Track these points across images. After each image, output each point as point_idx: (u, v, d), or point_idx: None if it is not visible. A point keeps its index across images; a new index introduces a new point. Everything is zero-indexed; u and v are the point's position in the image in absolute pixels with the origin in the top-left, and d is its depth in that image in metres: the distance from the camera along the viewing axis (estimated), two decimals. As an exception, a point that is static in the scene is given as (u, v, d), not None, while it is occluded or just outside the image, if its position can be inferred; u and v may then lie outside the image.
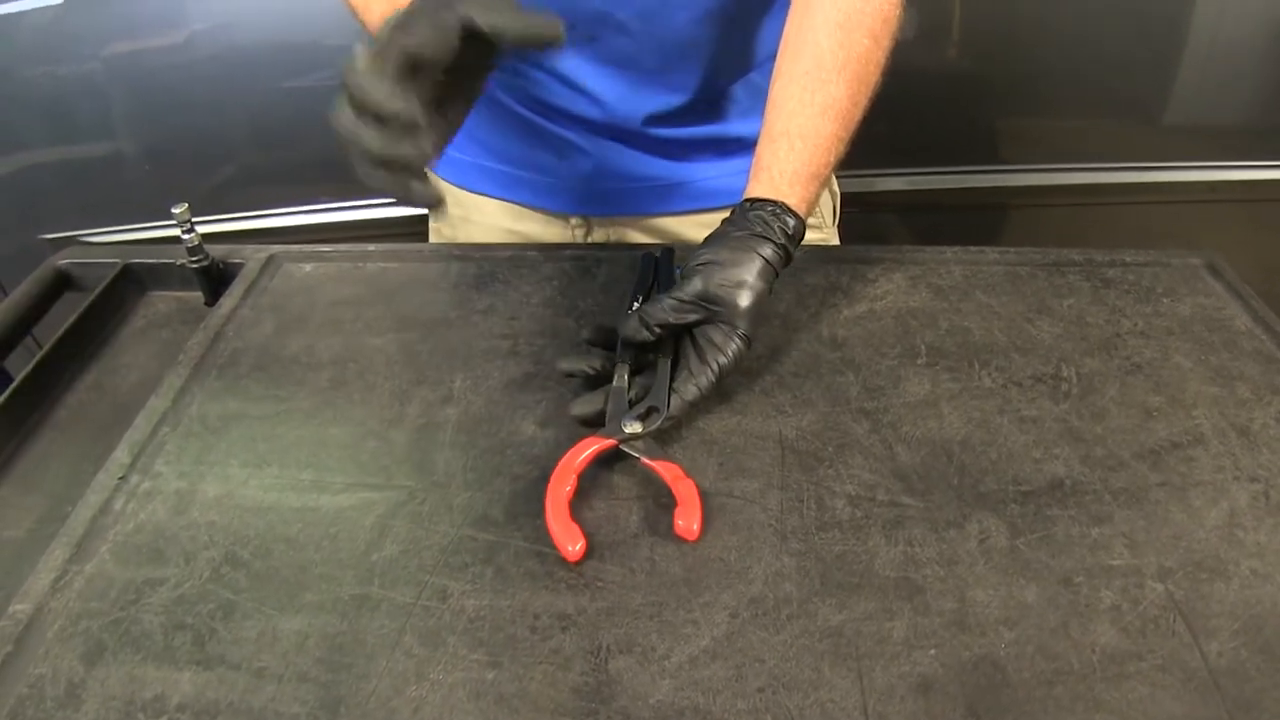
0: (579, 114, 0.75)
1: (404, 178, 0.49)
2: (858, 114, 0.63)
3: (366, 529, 0.52)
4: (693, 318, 0.58)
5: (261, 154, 1.28)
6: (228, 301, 0.71)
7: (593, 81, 0.72)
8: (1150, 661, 0.44)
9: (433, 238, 0.91)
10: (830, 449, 0.56)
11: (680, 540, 0.51)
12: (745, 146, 0.68)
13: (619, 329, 0.60)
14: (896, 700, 0.43)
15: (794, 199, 0.60)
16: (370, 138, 0.47)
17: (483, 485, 0.55)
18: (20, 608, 0.48)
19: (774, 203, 0.60)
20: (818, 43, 0.62)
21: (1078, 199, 1.34)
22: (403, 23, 0.48)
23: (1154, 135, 1.31)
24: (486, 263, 0.75)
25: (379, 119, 0.47)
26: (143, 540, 0.52)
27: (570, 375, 0.60)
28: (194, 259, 0.73)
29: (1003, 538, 0.50)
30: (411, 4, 0.50)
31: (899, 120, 1.21)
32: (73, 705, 0.43)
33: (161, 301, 0.77)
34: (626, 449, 0.55)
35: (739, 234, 0.59)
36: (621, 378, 0.58)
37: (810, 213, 0.62)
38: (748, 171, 0.63)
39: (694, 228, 0.81)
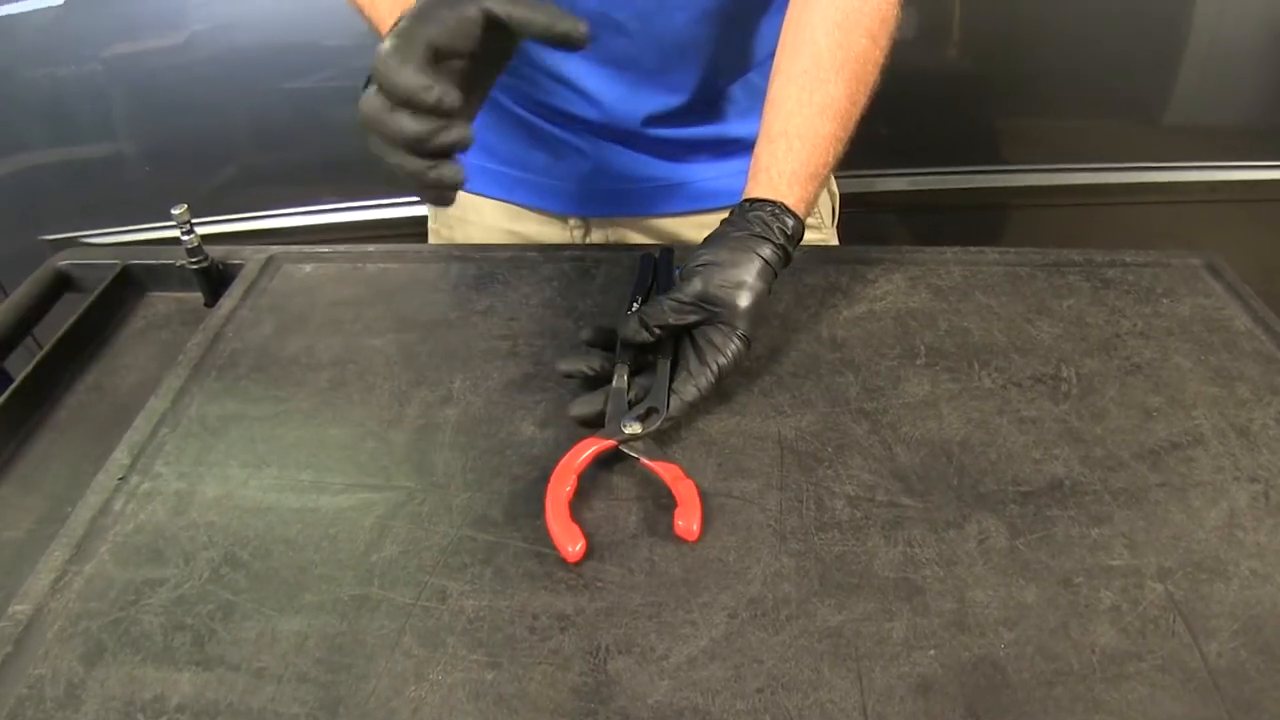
0: (577, 115, 0.75)
1: (435, 162, 0.49)
2: (856, 113, 0.63)
3: (366, 530, 0.52)
4: (692, 318, 0.58)
5: (261, 155, 1.28)
6: (227, 302, 0.71)
7: (591, 82, 0.72)
8: (1150, 662, 0.44)
9: (432, 239, 0.91)
10: (829, 449, 0.56)
11: (679, 541, 0.51)
12: (744, 147, 0.68)
13: (618, 330, 0.60)
14: (896, 701, 0.43)
15: (793, 199, 0.60)
16: (408, 123, 0.47)
17: (482, 486, 0.55)
18: (20, 608, 0.48)
19: (773, 203, 0.60)
20: (816, 42, 0.62)
21: (1078, 199, 1.34)
22: (425, 13, 0.48)
23: (1154, 135, 1.31)
24: (486, 263, 0.75)
25: (410, 106, 0.47)
26: (142, 541, 0.52)
27: (569, 376, 0.60)
28: (193, 260, 0.73)
29: (1002, 538, 0.50)
30: None
31: (899, 120, 1.21)
32: (72, 706, 0.43)
33: (161, 302, 0.77)
34: (626, 450, 0.55)
35: (738, 234, 0.59)
36: (621, 378, 0.58)
37: (809, 213, 0.62)
38: (746, 172, 0.63)
39: (693, 228, 0.81)
